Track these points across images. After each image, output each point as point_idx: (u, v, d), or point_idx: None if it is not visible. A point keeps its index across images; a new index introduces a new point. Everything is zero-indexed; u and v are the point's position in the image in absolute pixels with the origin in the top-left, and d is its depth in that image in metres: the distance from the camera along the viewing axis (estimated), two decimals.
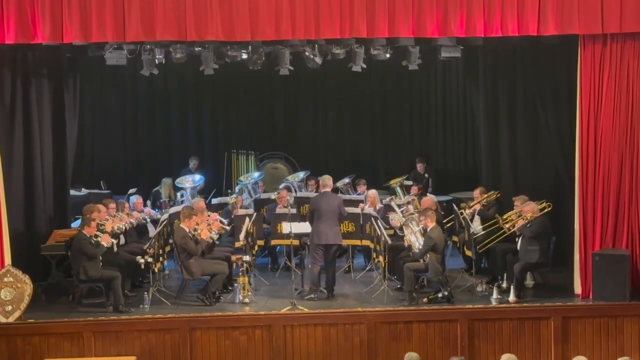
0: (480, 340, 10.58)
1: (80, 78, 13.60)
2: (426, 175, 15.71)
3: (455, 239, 13.10)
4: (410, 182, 15.07)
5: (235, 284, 11.78)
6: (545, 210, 11.78)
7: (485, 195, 12.88)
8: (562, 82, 12.29)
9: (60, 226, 12.69)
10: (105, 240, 11.35)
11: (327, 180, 12.03)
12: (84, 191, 15.11)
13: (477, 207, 12.75)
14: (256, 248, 13.01)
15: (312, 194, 13.40)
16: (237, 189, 15.07)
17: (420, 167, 15.76)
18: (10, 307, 10.85)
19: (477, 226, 12.53)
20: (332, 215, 11.75)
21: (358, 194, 14.24)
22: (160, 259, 12.10)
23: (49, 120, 12.78)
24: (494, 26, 11.03)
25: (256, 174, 15.45)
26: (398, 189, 14.68)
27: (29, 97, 12.34)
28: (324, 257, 11.80)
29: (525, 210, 11.78)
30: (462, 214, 12.48)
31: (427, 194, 14.05)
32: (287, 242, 12.14)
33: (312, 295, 11.68)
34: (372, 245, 12.67)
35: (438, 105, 17.24)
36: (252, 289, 11.89)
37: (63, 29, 10.78)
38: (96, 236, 11.38)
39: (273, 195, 14.00)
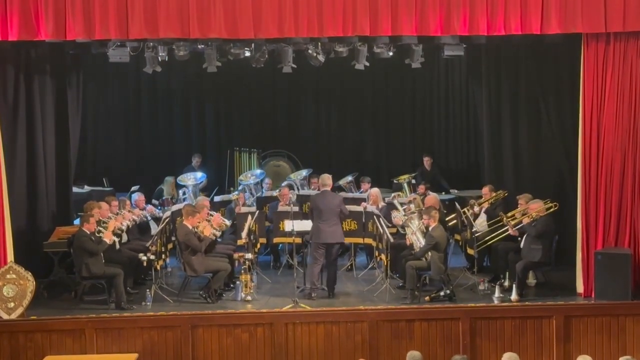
0: (482, 338, 10.59)
1: (83, 75, 13.63)
2: (434, 169, 15.67)
3: (457, 237, 13.10)
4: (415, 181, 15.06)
5: (237, 282, 11.79)
6: (551, 210, 11.78)
7: (494, 194, 12.88)
8: (565, 81, 12.29)
9: (63, 223, 12.71)
10: (107, 237, 11.36)
11: (326, 180, 12.00)
12: (87, 188, 15.09)
13: (486, 205, 12.76)
14: (258, 246, 13.01)
15: (315, 192, 13.41)
16: (239, 189, 15.04)
17: (427, 162, 15.71)
18: (12, 304, 10.87)
19: (482, 224, 12.52)
20: (333, 214, 11.72)
21: (361, 192, 14.24)
22: (163, 256, 12.11)
23: (52, 118, 12.80)
24: (497, 25, 11.03)
25: (258, 171, 15.41)
26: (405, 186, 14.68)
27: (32, 94, 12.35)
28: (325, 256, 11.79)
29: (532, 208, 11.77)
30: (464, 212, 12.48)
31: (430, 193, 14.03)
32: (290, 240, 12.17)
33: (312, 294, 11.67)
34: (374, 244, 12.67)
35: (441, 104, 17.23)
36: (254, 286, 11.89)
37: (66, 26, 10.78)
38: (99, 232, 11.39)
39: (275, 193, 14.01)
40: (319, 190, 12.39)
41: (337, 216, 11.80)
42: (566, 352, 10.54)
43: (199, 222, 11.81)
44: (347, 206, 12.56)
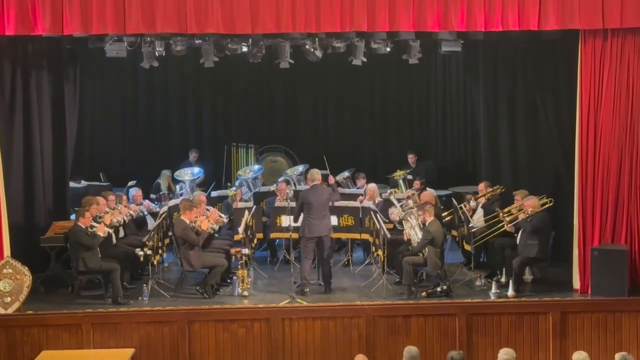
0: (479, 334, 10.60)
1: (80, 70, 13.58)
2: (419, 166, 15.60)
3: (454, 233, 13.11)
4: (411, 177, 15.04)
5: (234, 277, 11.79)
6: (546, 206, 11.79)
7: (490, 190, 12.88)
8: (563, 77, 12.30)
9: (60, 218, 12.70)
10: (101, 230, 11.34)
11: (315, 175, 11.99)
12: (84, 183, 15.09)
13: (483, 200, 12.75)
14: (255, 241, 13.01)
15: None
16: (237, 183, 15.06)
17: (411, 159, 15.65)
18: (9, 299, 10.86)
19: (479, 220, 12.53)
20: (323, 208, 11.75)
21: (357, 188, 14.23)
22: (160, 251, 12.10)
23: (49, 113, 12.79)
24: (494, 20, 11.02)
25: (256, 167, 15.41)
26: (401, 182, 14.68)
27: (29, 89, 12.34)
28: (318, 251, 11.81)
29: (527, 205, 11.78)
30: (461, 208, 12.48)
31: (427, 188, 14.04)
32: (286, 235, 12.16)
33: (305, 290, 11.67)
34: (371, 239, 12.66)
35: (438, 100, 17.24)
36: (251, 282, 11.89)
37: (63, 20, 10.77)
38: (92, 227, 11.38)
39: (272, 187, 14.00)
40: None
41: (327, 209, 11.84)
42: (562, 348, 10.55)
43: (197, 217, 11.80)
44: (344, 202, 12.60)
